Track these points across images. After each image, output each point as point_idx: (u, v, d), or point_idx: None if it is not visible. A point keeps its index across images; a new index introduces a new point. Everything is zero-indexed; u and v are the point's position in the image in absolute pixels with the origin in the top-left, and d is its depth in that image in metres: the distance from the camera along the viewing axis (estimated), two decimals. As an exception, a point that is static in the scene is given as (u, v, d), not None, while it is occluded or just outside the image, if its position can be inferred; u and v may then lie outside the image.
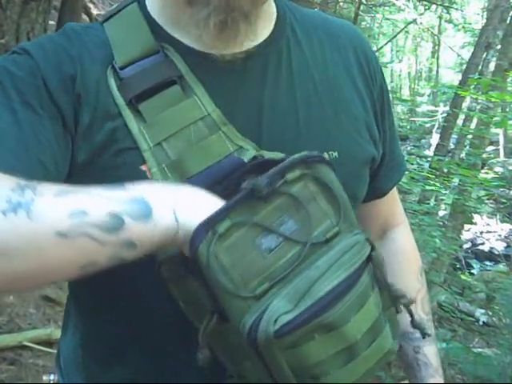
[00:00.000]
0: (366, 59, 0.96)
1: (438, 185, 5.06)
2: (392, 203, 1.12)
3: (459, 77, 8.94)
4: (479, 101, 5.43)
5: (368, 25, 14.53)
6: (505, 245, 7.75)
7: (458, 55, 17.03)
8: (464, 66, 8.35)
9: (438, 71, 21.10)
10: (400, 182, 1.13)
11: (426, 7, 11.47)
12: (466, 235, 7.01)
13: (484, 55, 6.23)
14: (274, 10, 0.91)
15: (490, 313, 4.71)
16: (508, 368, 3.22)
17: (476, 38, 8.24)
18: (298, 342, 0.64)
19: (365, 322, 0.70)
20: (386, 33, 17.38)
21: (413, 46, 22.37)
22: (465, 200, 5.05)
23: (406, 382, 1.06)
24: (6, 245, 0.57)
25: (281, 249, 0.68)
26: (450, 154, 6.39)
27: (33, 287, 0.64)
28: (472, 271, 6.73)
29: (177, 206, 0.65)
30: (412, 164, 5.47)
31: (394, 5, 11.27)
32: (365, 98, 0.93)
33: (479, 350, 3.90)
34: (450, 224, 5.32)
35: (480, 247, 7.70)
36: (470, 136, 5.99)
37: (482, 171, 6.66)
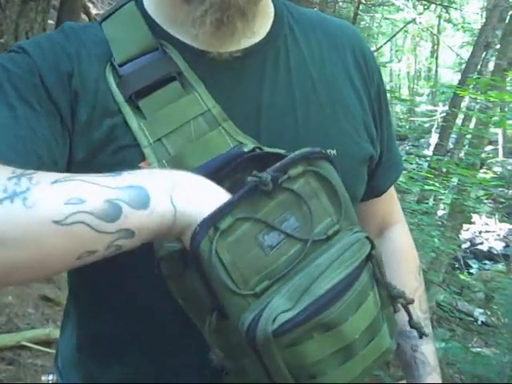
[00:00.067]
0: (364, 58, 0.96)
1: (436, 184, 5.06)
2: (390, 202, 1.12)
3: (458, 76, 8.95)
4: (478, 100, 5.43)
5: (367, 24, 14.54)
6: (503, 244, 7.76)
7: (457, 55, 17.05)
8: (463, 66, 8.36)
9: (437, 71, 21.11)
10: (399, 182, 1.13)
11: (425, 7, 11.47)
12: (464, 235, 7.01)
13: (483, 55, 6.23)
14: (272, 9, 0.91)
15: (489, 312, 4.71)
16: (506, 367, 3.22)
17: (475, 38, 8.24)
18: (296, 340, 0.64)
19: (363, 321, 0.70)
20: (385, 32, 17.39)
21: (412, 46, 22.38)
22: (464, 200, 5.05)
23: (404, 381, 1.05)
24: (1, 234, 0.57)
25: (282, 246, 0.67)
26: (449, 154, 6.39)
27: (29, 279, 0.64)
28: (471, 271, 6.74)
29: (174, 193, 0.64)
30: (411, 164, 5.47)
31: (393, 4, 11.28)
32: (362, 96, 0.93)
33: (478, 349, 3.90)
34: (448, 224, 5.32)
35: (479, 247, 7.71)
36: (468, 136, 5.99)
37: (481, 171, 6.66)
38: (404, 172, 4.64)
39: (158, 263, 0.69)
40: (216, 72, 0.83)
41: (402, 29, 14.30)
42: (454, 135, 6.85)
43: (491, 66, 6.13)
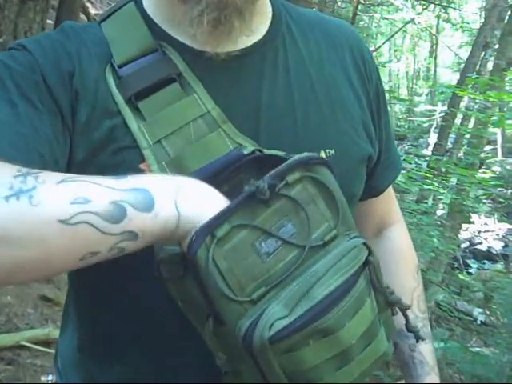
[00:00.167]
0: (362, 58, 0.96)
1: (435, 184, 5.06)
2: (388, 202, 1.12)
3: (457, 76, 8.96)
4: (477, 100, 5.43)
5: (366, 24, 14.55)
6: (502, 244, 7.77)
7: (456, 55, 17.07)
8: (462, 66, 8.37)
9: (435, 71, 21.13)
10: (398, 182, 1.13)
11: (424, 7, 11.48)
12: (463, 234, 7.01)
13: (482, 55, 6.23)
14: (270, 8, 0.91)
15: (488, 312, 4.72)
16: (506, 367, 3.23)
17: (474, 38, 8.25)
18: (293, 346, 0.64)
19: (360, 327, 0.70)
20: (384, 32, 17.39)
21: (411, 46, 22.39)
22: (463, 199, 5.06)
23: (403, 381, 1.05)
24: (7, 231, 0.56)
25: (279, 252, 0.67)
26: (448, 154, 6.39)
27: (31, 279, 0.63)
28: (470, 270, 6.75)
29: (178, 198, 0.64)
30: (410, 163, 5.47)
31: (392, 4, 11.29)
32: (361, 96, 0.93)
33: (477, 349, 3.91)
34: (447, 223, 5.32)
35: (478, 246, 7.72)
36: (467, 135, 5.99)
37: (480, 171, 6.67)
38: (403, 172, 4.64)
39: (157, 266, 0.69)
40: (214, 72, 0.83)
41: (400, 29, 14.31)
42: (452, 135, 6.85)
43: (490, 65, 6.13)
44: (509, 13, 6.05)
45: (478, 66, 6.29)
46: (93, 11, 7.89)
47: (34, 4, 3.32)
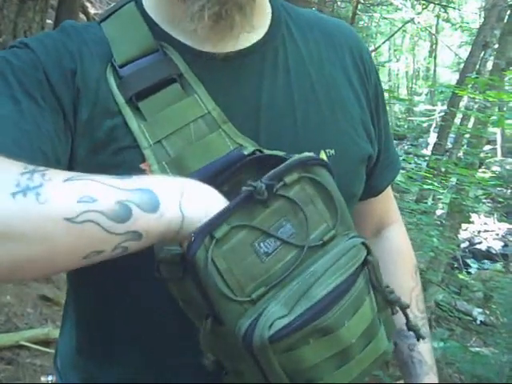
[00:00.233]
0: (362, 58, 0.96)
1: (435, 184, 5.06)
2: (387, 201, 1.12)
3: (457, 76, 8.96)
4: (477, 100, 5.43)
5: (366, 24, 14.55)
6: (502, 244, 7.77)
7: (456, 54, 17.07)
8: (461, 66, 8.37)
9: (435, 70, 21.13)
10: (398, 181, 1.13)
11: (424, 6, 11.48)
12: (463, 234, 7.01)
13: (481, 54, 6.23)
14: (270, 9, 0.91)
15: (488, 312, 4.72)
16: (505, 367, 3.23)
17: (473, 37, 8.25)
18: (292, 345, 0.64)
19: (359, 326, 0.70)
20: (384, 32, 17.39)
21: (410, 45, 22.39)
22: (462, 199, 5.06)
23: (402, 381, 1.06)
24: (13, 228, 0.56)
25: (278, 252, 0.68)
26: (448, 153, 6.39)
27: (33, 276, 0.63)
28: (469, 270, 6.75)
29: (183, 200, 0.65)
30: (410, 163, 5.48)
31: (391, 4, 11.29)
32: (360, 96, 0.94)
33: (477, 349, 3.91)
34: (447, 223, 5.32)
35: (477, 246, 7.72)
36: (467, 135, 5.98)
37: (480, 170, 6.67)
38: (403, 171, 4.64)
39: (157, 266, 0.69)
40: (214, 72, 0.83)
41: (400, 28, 14.31)
42: (452, 135, 6.86)
43: (489, 65, 6.13)
44: (508, 12, 6.05)
45: (477, 66, 6.29)
46: (92, 11, 7.89)
47: (34, 4, 3.32)
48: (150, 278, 0.70)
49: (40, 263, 0.59)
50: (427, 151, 8.76)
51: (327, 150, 0.85)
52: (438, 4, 10.32)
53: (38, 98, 0.74)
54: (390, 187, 1.10)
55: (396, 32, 15.09)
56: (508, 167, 10.12)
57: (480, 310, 4.82)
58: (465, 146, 5.91)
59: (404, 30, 16.48)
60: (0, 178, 0.58)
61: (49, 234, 0.57)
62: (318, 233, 0.71)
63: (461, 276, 5.76)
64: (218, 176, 0.72)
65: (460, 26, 15.13)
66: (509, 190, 6.34)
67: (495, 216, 7.80)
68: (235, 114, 0.81)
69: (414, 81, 23.91)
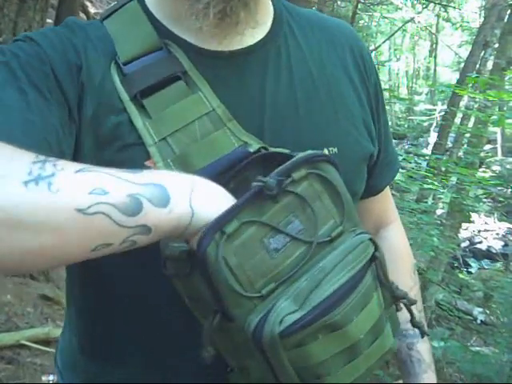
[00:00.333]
0: (362, 58, 0.97)
1: (435, 183, 5.05)
2: (385, 201, 1.12)
3: (457, 75, 8.96)
4: (477, 99, 5.42)
5: (366, 23, 14.54)
6: (502, 243, 7.77)
7: (456, 54, 17.08)
8: (462, 65, 8.37)
9: (435, 70, 21.14)
10: (398, 181, 1.13)
11: (424, 6, 11.48)
12: (463, 234, 7.02)
13: (482, 54, 6.23)
14: (272, 8, 0.91)
15: (488, 311, 4.72)
16: (506, 366, 3.23)
17: (474, 37, 8.25)
18: (302, 341, 0.65)
19: (367, 322, 0.71)
20: (384, 31, 17.38)
21: (410, 45, 22.41)
22: (462, 199, 5.05)
23: (401, 381, 1.06)
24: (24, 216, 0.55)
25: (287, 249, 0.68)
26: (448, 153, 6.39)
27: (41, 267, 0.62)
28: (470, 270, 6.75)
29: (193, 196, 0.65)
30: (410, 163, 5.47)
31: (391, 3, 11.29)
32: (361, 95, 0.94)
33: (477, 348, 3.90)
34: (447, 223, 5.31)
35: (478, 246, 7.72)
36: (467, 135, 5.98)
37: (480, 170, 6.68)
38: (403, 171, 4.64)
39: (164, 262, 0.69)
40: (219, 70, 0.83)
41: (400, 28, 14.32)
42: (452, 134, 6.85)
43: (490, 65, 6.12)
44: (508, 12, 6.05)
45: (477, 65, 6.29)
46: (92, 10, 7.89)
47: (34, 3, 3.32)
48: (154, 276, 0.70)
49: (50, 253, 0.58)
50: (427, 151, 8.77)
51: (330, 149, 0.86)
52: (438, 3, 10.33)
53: (44, 90, 0.74)
54: (388, 186, 1.11)
55: (396, 31, 15.11)
56: (508, 166, 10.12)
57: (480, 310, 4.82)
58: (465, 146, 5.90)
59: (404, 30, 16.49)
60: (12, 167, 0.57)
61: (60, 224, 0.57)
62: (326, 229, 0.71)
63: (461, 275, 5.75)
64: (223, 173, 0.73)
65: (460, 26, 15.14)
66: (509, 190, 6.34)
67: (495, 215, 7.80)
68: (239, 111, 0.81)
69: (415, 80, 23.92)
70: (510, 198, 5.97)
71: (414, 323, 0.83)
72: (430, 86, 19.02)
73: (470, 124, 6.35)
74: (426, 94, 20.74)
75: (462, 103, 6.82)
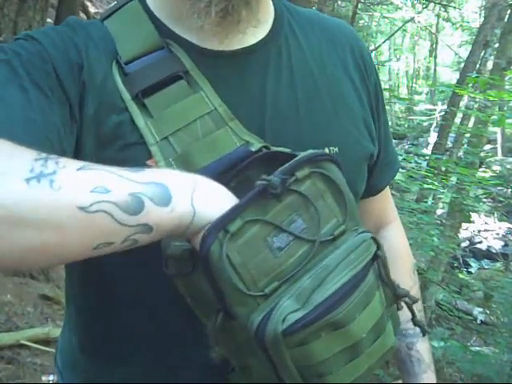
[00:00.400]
0: (362, 57, 0.97)
1: (435, 183, 5.05)
2: (385, 201, 1.13)
3: (457, 75, 8.96)
4: (477, 99, 5.42)
5: (366, 23, 14.54)
6: (502, 243, 7.77)
7: (456, 54, 17.07)
8: (462, 65, 8.37)
9: (435, 70, 21.14)
10: (398, 181, 1.13)
11: (424, 5, 11.48)
12: (463, 234, 7.01)
13: (482, 54, 6.23)
14: (272, 8, 0.91)
15: (488, 311, 4.72)
16: (506, 366, 3.23)
17: (474, 37, 8.25)
18: (305, 340, 0.65)
19: (369, 320, 0.71)
20: (384, 31, 17.39)
21: (411, 45, 22.41)
22: (463, 198, 5.05)
23: (401, 381, 1.06)
24: (25, 213, 0.55)
25: (291, 247, 0.68)
26: (448, 153, 6.39)
27: (41, 264, 0.62)
28: (470, 270, 6.75)
29: (194, 196, 0.65)
30: (410, 162, 5.47)
31: (391, 3, 11.29)
32: (362, 94, 0.94)
33: (477, 348, 3.90)
34: (447, 222, 5.31)
35: (478, 246, 7.72)
36: (467, 134, 5.98)
37: (480, 170, 6.67)
38: (403, 171, 4.64)
39: (165, 262, 0.69)
40: (220, 69, 0.83)
41: (400, 28, 14.32)
42: (452, 134, 6.85)
43: (490, 64, 6.12)
44: (509, 12, 6.05)
45: (477, 65, 6.29)
46: (92, 10, 7.89)
47: (34, 3, 3.32)
48: (156, 275, 0.70)
49: (51, 251, 0.58)
50: (427, 150, 8.76)
51: (331, 148, 0.86)
52: (438, 3, 10.32)
53: (45, 89, 0.74)
54: (387, 186, 1.11)
55: (396, 31, 15.11)
56: (508, 166, 10.11)
57: (480, 310, 4.82)
58: (465, 146, 5.90)
59: (404, 30, 16.49)
60: (14, 164, 0.57)
61: (61, 222, 0.57)
62: (329, 228, 0.72)
63: (461, 275, 5.75)
64: (225, 173, 0.73)
65: (460, 26, 15.14)
66: (509, 190, 6.34)
67: (495, 215, 7.80)
68: (240, 111, 0.82)
69: (415, 80, 23.93)
70: (510, 198, 5.97)
71: (415, 322, 0.84)
72: (430, 85, 19.03)
73: (470, 124, 6.36)
74: (426, 94, 20.75)
75: (462, 103, 6.82)
